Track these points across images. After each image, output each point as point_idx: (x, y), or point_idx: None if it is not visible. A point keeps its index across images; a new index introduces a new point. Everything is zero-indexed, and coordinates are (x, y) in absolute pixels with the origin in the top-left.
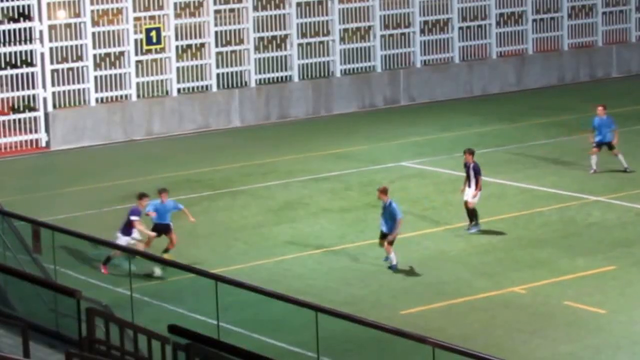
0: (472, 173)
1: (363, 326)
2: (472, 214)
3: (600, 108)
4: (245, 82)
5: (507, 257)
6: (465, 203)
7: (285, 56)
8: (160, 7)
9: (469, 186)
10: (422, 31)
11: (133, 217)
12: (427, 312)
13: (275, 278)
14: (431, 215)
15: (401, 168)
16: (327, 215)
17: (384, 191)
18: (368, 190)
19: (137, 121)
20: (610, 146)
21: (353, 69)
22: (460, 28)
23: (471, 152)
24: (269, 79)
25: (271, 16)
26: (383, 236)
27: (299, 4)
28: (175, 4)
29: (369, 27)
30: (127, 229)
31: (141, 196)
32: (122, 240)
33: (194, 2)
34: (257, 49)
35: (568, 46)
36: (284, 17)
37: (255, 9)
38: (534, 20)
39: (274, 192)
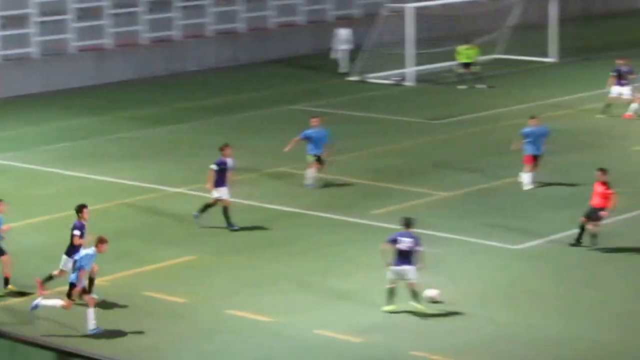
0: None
1: None
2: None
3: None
4: None
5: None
6: (224, 201)
7: None
8: None
9: (224, 185)
10: (1, 26)
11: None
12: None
13: None
14: (12, 210)
15: None
16: None
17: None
18: None
19: None
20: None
21: None
22: (39, 23)
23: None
24: None
25: None
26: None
27: None
28: None
29: None
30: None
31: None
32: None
33: None
34: None
35: (147, 40)
36: None
37: None
38: (113, 15)
39: None
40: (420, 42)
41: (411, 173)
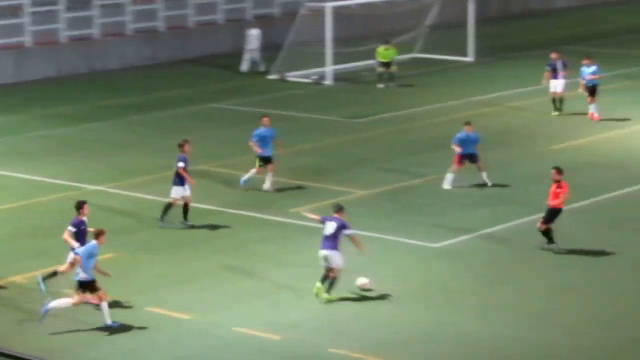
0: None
1: None
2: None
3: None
4: None
5: (9, 247)
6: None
7: None
8: None
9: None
10: None
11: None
12: None
13: None
14: None
15: None
16: None
17: None
18: None
19: None
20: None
21: None
22: None
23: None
24: None
25: None
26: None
27: None
28: None
29: None
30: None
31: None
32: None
33: None
34: None
35: (66, 39)
36: None
37: None
38: (32, 13)
39: None
40: (339, 42)
41: (331, 172)
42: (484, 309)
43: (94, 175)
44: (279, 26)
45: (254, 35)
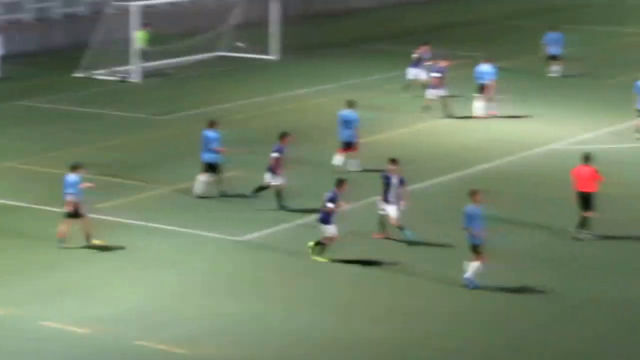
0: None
1: None
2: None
3: None
4: None
5: None
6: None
7: None
8: None
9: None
10: None
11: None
12: None
13: None
14: None
15: None
16: None
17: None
18: None
19: None
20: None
21: None
22: None
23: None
24: None
25: None
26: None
27: None
28: None
29: None
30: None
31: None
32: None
33: None
34: None
35: None
36: None
37: None
38: None
39: None
40: (146, 39)
41: (137, 167)
42: (290, 300)
43: None
44: (85, 25)
45: None
